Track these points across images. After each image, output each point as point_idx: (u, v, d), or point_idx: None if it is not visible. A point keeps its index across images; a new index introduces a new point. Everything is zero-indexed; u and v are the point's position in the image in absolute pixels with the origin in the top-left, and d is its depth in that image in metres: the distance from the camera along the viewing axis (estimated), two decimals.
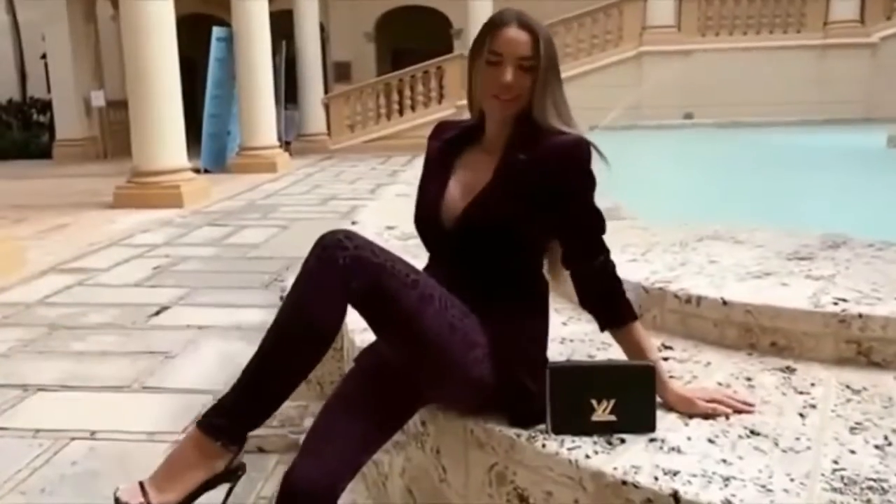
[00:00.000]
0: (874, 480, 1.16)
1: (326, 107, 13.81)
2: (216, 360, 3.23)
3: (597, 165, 1.41)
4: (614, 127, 8.41)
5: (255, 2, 10.67)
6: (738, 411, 1.40)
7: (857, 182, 4.87)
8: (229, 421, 1.32)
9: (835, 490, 1.13)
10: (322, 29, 14.56)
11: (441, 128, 1.63)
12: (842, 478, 1.17)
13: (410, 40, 15.82)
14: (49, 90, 14.01)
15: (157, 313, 3.96)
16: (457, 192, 1.47)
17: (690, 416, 1.39)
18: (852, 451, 1.25)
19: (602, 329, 1.46)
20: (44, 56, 14.21)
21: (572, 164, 1.39)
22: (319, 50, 14.05)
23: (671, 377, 1.49)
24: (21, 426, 2.62)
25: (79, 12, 13.36)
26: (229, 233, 6.25)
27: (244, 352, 3.35)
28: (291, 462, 1.34)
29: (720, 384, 1.54)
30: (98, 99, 13.47)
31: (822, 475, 1.18)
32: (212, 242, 5.88)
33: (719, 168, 5.60)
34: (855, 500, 1.11)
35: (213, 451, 1.31)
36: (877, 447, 1.26)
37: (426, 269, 1.54)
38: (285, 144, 12.32)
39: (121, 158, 12.00)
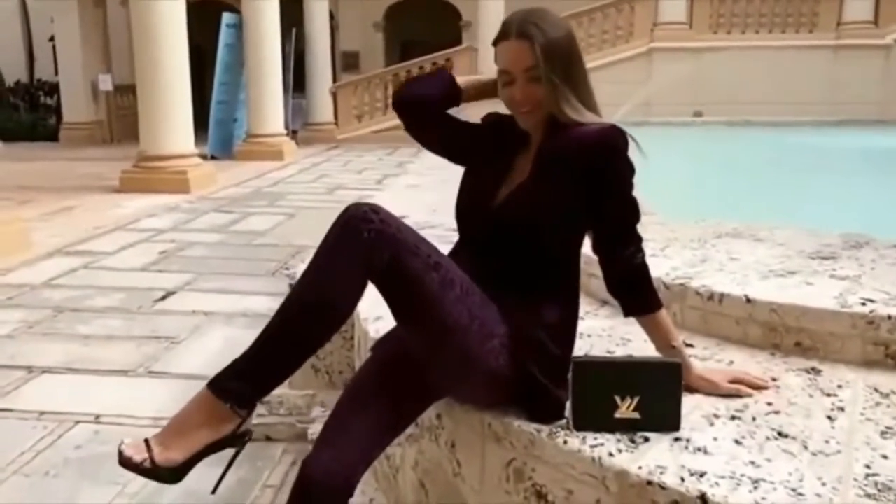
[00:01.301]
0: None
1: (334, 96, 13.76)
2: (222, 346, 3.20)
3: (633, 155, 1.37)
4: (625, 123, 8.35)
5: None
6: (759, 388, 1.44)
7: (870, 183, 4.82)
8: (241, 384, 1.28)
9: (868, 496, 1.10)
10: (331, 18, 14.49)
11: (491, 117, 1.60)
12: (875, 483, 1.13)
13: (419, 31, 15.74)
14: (57, 73, 13.96)
15: (163, 298, 3.93)
16: (499, 186, 1.46)
17: (732, 416, 1.36)
18: (884, 457, 1.21)
19: (626, 315, 1.44)
20: (52, 39, 14.16)
21: (604, 150, 1.36)
22: (328, 39, 13.99)
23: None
24: (25, 408, 2.60)
25: None
26: (235, 219, 6.22)
27: (250, 338, 3.32)
28: (308, 453, 1.31)
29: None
30: (105, 83, 13.45)
31: (855, 480, 1.14)
32: (218, 229, 5.85)
33: (731, 166, 5.55)
34: None
35: (221, 414, 1.27)
36: None
37: (451, 253, 1.51)
38: (292, 133, 12.28)
39: (127, 143, 11.99)
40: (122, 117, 13.99)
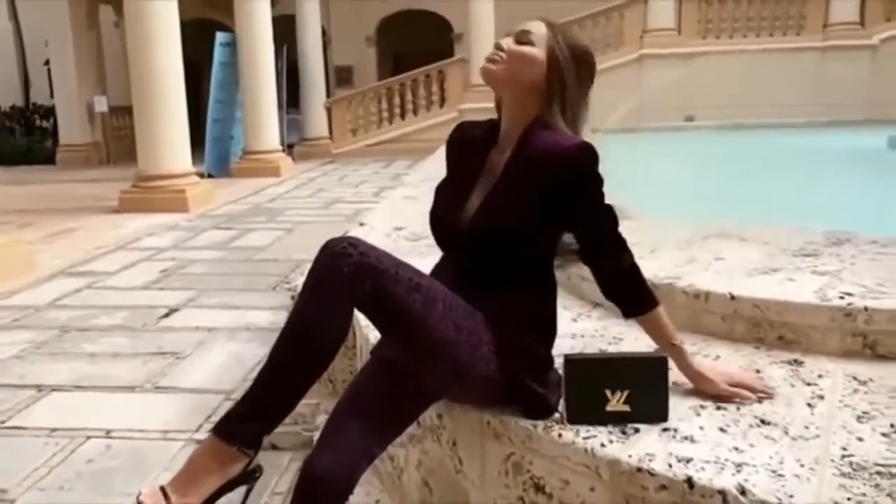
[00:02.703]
0: (882, 466, 1.19)
1: (329, 111, 13.87)
2: (226, 360, 3.27)
3: (603, 165, 1.45)
4: (617, 129, 8.45)
5: (258, 6, 10.74)
6: (760, 395, 1.45)
7: (858, 182, 4.91)
8: (245, 426, 1.36)
9: (844, 475, 1.17)
10: (324, 33, 14.62)
11: (460, 129, 1.66)
12: (851, 463, 1.20)
13: (411, 44, 15.87)
14: (52, 96, 14.07)
15: (167, 315, 4.00)
16: (471, 193, 1.51)
17: (715, 405, 1.42)
18: (860, 439, 1.28)
19: (626, 317, 1.49)
20: (47, 62, 14.28)
21: (574, 165, 1.40)
22: (321, 54, 14.12)
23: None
24: (37, 425, 2.66)
25: (82, 19, 13.44)
26: (235, 236, 6.30)
27: (253, 352, 3.43)
28: (309, 452, 1.38)
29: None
30: (101, 104, 13.54)
31: (832, 461, 1.21)
32: (218, 245, 5.92)
33: (722, 169, 5.63)
34: (864, 484, 1.14)
35: (229, 456, 1.35)
36: (884, 434, 1.30)
37: (437, 267, 1.58)
38: (288, 148, 12.38)
39: (123, 163, 12.07)
40: (118, 138, 14.09)
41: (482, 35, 12.86)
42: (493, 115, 1.59)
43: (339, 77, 16.42)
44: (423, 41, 15.31)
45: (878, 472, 1.17)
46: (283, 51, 12.50)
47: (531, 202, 1.42)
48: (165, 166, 7.62)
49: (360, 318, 2.06)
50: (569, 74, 1.45)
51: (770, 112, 10.38)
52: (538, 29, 1.46)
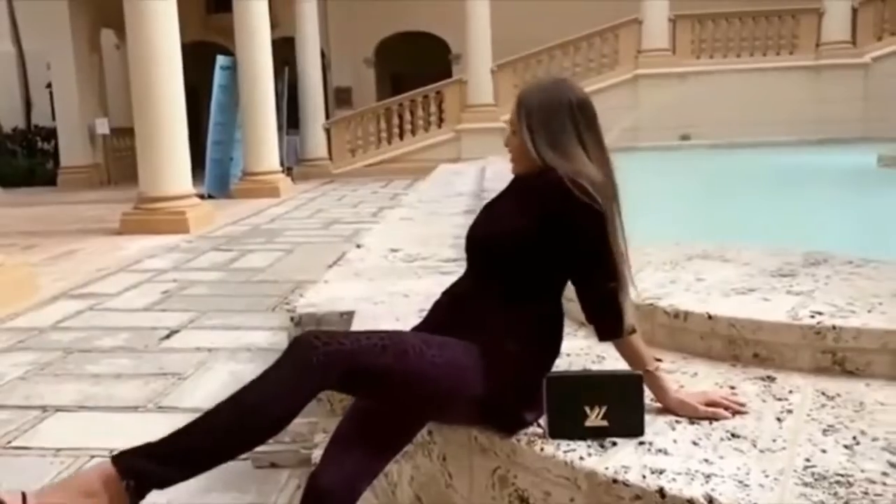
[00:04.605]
0: (841, 475, 1.27)
1: (328, 132, 14.04)
2: (227, 380, 3.34)
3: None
4: (613, 149, 8.57)
5: (259, 29, 10.92)
6: (735, 413, 1.52)
7: (847, 201, 5.01)
8: (149, 464, 1.30)
9: (806, 485, 1.25)
10: (323, 55, 14.83)
11: None
12: (813, 474, 1.28)
13: (410, 65, 16.09)
14: (54, 118, 14.24)
15: (168, 336, 4.07)
16: (482, 222, 1.70)
17: (690, 420, 1.50)
18: (823, 451, 1.36)
19: (601, 339, 1.59)
20: (49, 85, 14.46)
21: (556, 195, 1.51)
22: (320, 76, 14.32)
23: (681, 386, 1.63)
24: (42, 445, 2.73)
25: (83, 42, 13.65)
26: (235, 257, 6.39)
27: (254, 372, 3.45)
28: (314, 468, 1.46)
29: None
30: (102, 126, 13.71)
31: (795, 471, 1.29)
32: (218, 267, 6.01)
33: (714, 188, 5.74)
34: (824, 493, 1.22)
35: (115, 489, 1.28)
36: (846, 447, 1.38)
37: (456, 281, 1.70)
38: (287, 170, 12.51)
39: (124, 185, 12.20)
40: (118, 159, 14.25)
41: (479, 56, 13.06)
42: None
43: (339, 98, 16.61)
44: (422, 62, 15.52)
45: (837, 482, 1.25)
46: (283, 72, 12.69)
47: (525, 218, 1.55)
48: (166, 188, 7.73)
49: (353, 327, 2.14)
50: (545, 123, 1.57)
51: (764, 131, 10.51)
52: (512, 112, 1.63)
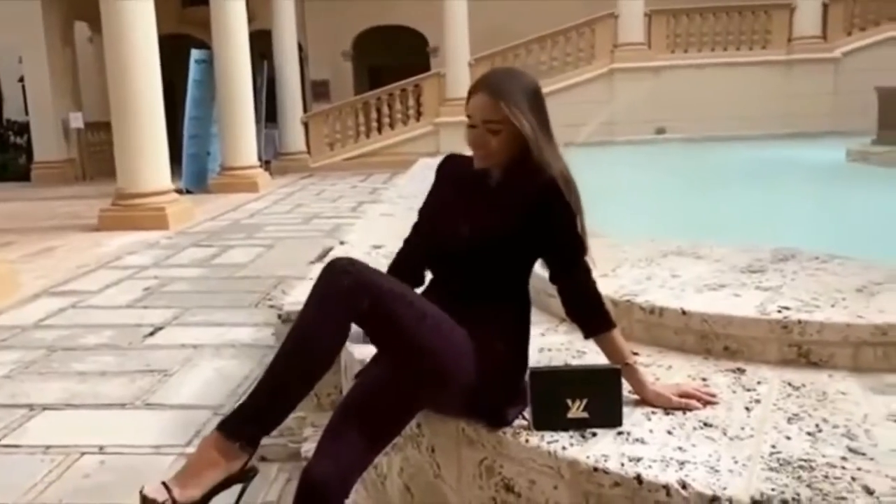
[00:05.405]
0: (804, 461, 1.37)
1: (306, 125, 14.00)
2: (212, 376, 3.39)
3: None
4: (589, 143, 8.69)
5: (235, 22, 10.85)
6: (707, 403, 1.62)
7: (816, 195, 5.16)
8: (247, 425, 1.51)
9: (772, 469, 1.35)
10: (300, 48, 14.76)
11: (453, 163, 1.85)
12: (778, 459, 1.38)
13: (387, 58, 16.07)
14: (27, 112, 14.04)
15: (152, 334, 4.10)
16: (468, 217, 1.69)
17: (666, 411, 1.59)
18: (788, 438, 1.46)
19: (586, 337, 1.68)
20: (21, 79, 14.24)
21: (551, 196, 1.60)
22: (298, 69, 14.26)
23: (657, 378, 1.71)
24: (31, 443, 2.76)
25: (56, 35, 13.46)
26: (216, 253, 6.39)
27: (239, 368, 3.55)
28: (309, 461, 1.53)
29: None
30: (76, 121, 13.54)
31: (762, 458, 1.39)
32: (199, 263, 6.02)
33: (687, 182, 5.86)
34: (788, 476, 1.32)
35: (231, 452, 1.49)
36: (809, 434, 1.48)
37: (428, 286, 1.75)
38: (265, 164, 12.47)
39: (100, 180, 12.09)
40: (93, 154, 14.09)
41: (457, 49, 13.11)
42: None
43: (316, 91, 16.55)
44: (399, 55, 15.51)
45: (801, 466, 1.35)
46: (262, 67, 12.62)
47: (515, 223, 1.62)
48: (145, 184, 7.70)
49: None
50: (532, 125, 1.62)
51: (737, 124, 10.70)
52: (495, 111, 1.60)
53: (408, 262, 1.84)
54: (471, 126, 1.66)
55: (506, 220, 1.63)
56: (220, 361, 3.60)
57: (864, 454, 1.39)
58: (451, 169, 1.83)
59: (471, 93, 1.66)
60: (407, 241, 1.89)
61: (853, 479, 1.30)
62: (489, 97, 1.61)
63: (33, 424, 2.94)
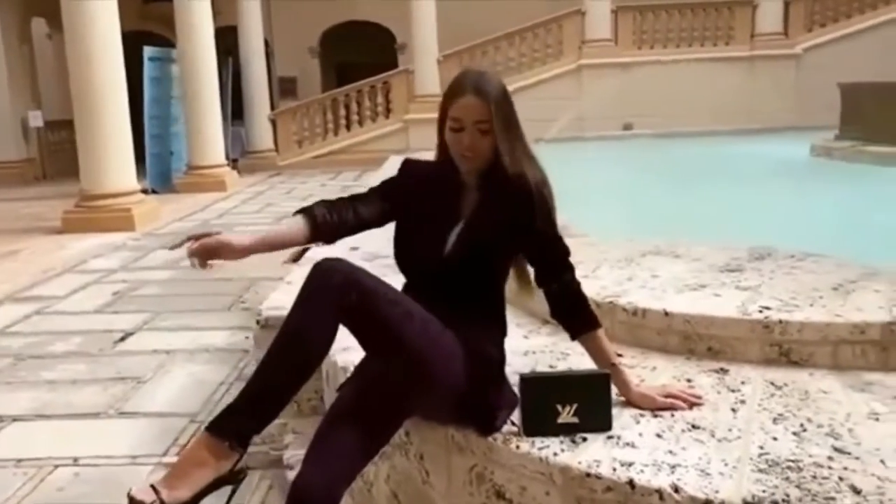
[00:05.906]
0: (792, 461, 1.39)
1: (273, 123, 13.84)
2: (187, 382, 3.33)
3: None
4: (559, 139, 8.73)
5: (200, 19, 10.64)
6: (692, 405, 1.63)
7: (781, 191, 5.25)
8: (237, 424, 1.49)
9: (761, 471, 1.36)
10: (266, 44, 14.58)
11: (412, 166, 1.80)
12: (766, 461, 1.40)
13: (355, 55, 15.95)
14: None
15: (123, 339, 4.02)
16: (448, 228, 1.66)
17: (653, 412, 1.61)
18: (774, 438, 1.48)
19: (573, 338, 1.68)
20: None
21: (534, 201, 1.61)
22: (264, 65, 14.09)
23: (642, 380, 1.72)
24: (2, 456, 2.67)
25: (13, 32, 13.08)
26: (185, 255, 6.27)
27: (214, 374, 3.50)
28: (298, 470, 1.51)
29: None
30: (36, 119, 13.19)
31: (751, 459, 1.41)
32: (168, 265, 5.90)
33: (657, 179, 5.92)
34: (777, 477, 1.34)
35: (221, 452, 1.47)
36: (794, 434, 1.50)
37: (404, 290, 1.73)
38: (232, 162, 12.30)
39: (60, 180, 11.79)
40: (54, 153, 13.73)
41: (425, 46, 13.07)
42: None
43: (283, 88, 16.36)
44: (367, 52, 15.41)
45: (789, 467, 1.37)
46: (228, 62, 12.42)
47: (501, 232, 1.62)
48: (110, 185, 7.52)
49: None
50: (510, 119, 1.62)
51: (703, 120, 10.84)
52: (485, 112, 1.58)
53: (347, 211, 1.69)
54: (458, 129, 1.60)
55: (491, 230, 1.62)
56: (194, 367, 3.54)
57: (849, 453, 1.41)
58: (417, 176, 1.76)
59: (454, 95, 1.61)
60: (353, 199, 1.72)
61: (840, 478, 1.32)
62: (477, 98, 1.59)
63: (3, 436, 2.86)
